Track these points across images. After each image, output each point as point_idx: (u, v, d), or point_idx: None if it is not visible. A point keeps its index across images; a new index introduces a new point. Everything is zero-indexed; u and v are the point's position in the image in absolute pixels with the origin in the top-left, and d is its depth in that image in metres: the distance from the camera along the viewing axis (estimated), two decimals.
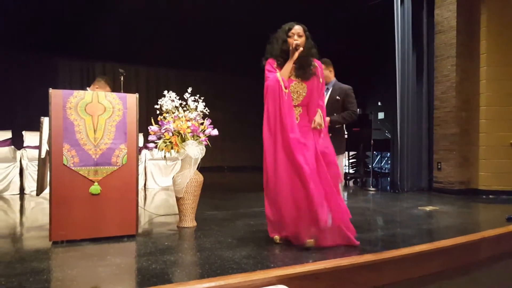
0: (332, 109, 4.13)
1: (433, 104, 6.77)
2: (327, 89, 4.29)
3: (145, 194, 6.02)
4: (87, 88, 4.48)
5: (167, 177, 6.66)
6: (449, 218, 4.40)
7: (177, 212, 3.76)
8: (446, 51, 6.48)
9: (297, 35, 2.95)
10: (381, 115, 10.57)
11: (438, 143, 6.63)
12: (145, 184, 6.67)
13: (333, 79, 4.40)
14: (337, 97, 4.27)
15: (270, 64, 2.99)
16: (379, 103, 10.76)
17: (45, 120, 3.26)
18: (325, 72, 4.18)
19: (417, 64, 6.86)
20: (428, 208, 4.91)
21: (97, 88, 4.46)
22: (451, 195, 6.11)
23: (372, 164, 8.08)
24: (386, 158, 10.02)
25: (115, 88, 4.54)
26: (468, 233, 3.48)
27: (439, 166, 6.55)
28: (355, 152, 8.46)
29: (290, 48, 2.92)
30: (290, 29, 2.97)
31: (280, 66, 2.97)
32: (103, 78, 4.70)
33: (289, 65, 2.93)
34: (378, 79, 9.79)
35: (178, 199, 3.66)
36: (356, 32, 9.62)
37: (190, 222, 3.69)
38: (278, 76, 2.90)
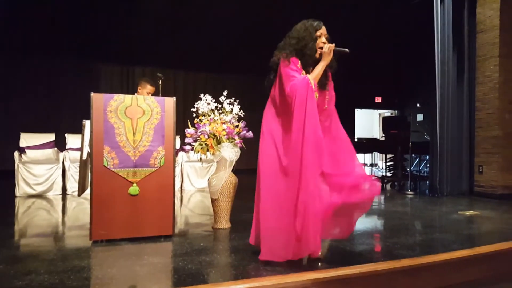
0: None
1: (474, 105, 6.52)
2: None
3: (182, 196, 6.13)
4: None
5: (203, 179, 6.75)
6: (491, 223, 4.22)
7: (212, 213, 3.81)
8: (489, 50, 6.23)
9: (324, 36, 2.67)
10: (420, 117, 10.30)
11: (479, 146, 6.38)
12: (181, 186, 6.79)
13: None
14: None
15: (294, 63, 2.61)
16: (418, 105, 10.48)
17: (87, 123, 3.38)
18: None
19: (458, 65, 6.63)
20: (468, 213, 4.73)
21: (139, 89, 4.61)
22: (494, 200, 5.85)
23: (410, 167, 7.85)
24: (424, 161, 9.74)
25: (154, 92, 4.67)
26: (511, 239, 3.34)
27: (480, 170, 6.30)
28: (393, 155, 8.27)
29: (324, 50, 2.60)
30: (318, 28, 2.66)
31: (304, 67, 2.66)
32: (143, 79, 4.87)
33: (321, 69, 2.61)
34: (417, 80, 9.56)
35: (213, 201, 3.71)
36: (395, 32, 9.45)
37: (225, 223, 3.72)
38: (310, 79, 2.54)
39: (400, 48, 10.45)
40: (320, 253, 2.66)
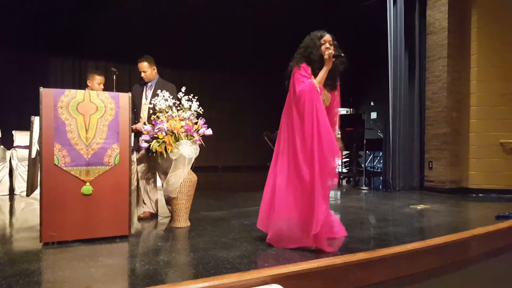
0: None
1: (424, 104, 6.81)
2: (151, 85, 4.19)
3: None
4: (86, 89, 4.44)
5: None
6: (440, 216, 4.42)
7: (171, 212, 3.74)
8: (438, 51, 6.52)
9: (328, 43, 3.01)
10: (373, 115, 10.64)
11: (429, 143, 6.68)
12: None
13: (156, 76, 4.31)
14: None
15: (304, 70, 2.98)
16: (372, 103, 10.84)
17: (36, 120, 3.21)
18: (149, 70, 4.18)
19: (409, 65, 6.89)
20: (419, 207, 4.94)
21: (89, 83, 4.41)
22: (442, 194, 6.15)
23: (365, 164, 8.11)
24: (378, 158, 10.07)
25: (108, 87, 4.49)
26: (459, 231, 3.52)
27: (430, 165, 6.60)
28: (348, 152, 8.49)
29: (325, 56, 2.95)
30: (322, 36, 3.03)
31: (313, 72, 2.99)
32: (90, 71, 4.68)
33: (325, 74, 2.97)
34: (371, 80, 9.85)
35: (172, 199, 3.64)
36: (349, 32, 9.66)
37: (183, 222, 3.67)
38: (315, 82, 2.92)
39: (355, 48, 10.73)
40: None
